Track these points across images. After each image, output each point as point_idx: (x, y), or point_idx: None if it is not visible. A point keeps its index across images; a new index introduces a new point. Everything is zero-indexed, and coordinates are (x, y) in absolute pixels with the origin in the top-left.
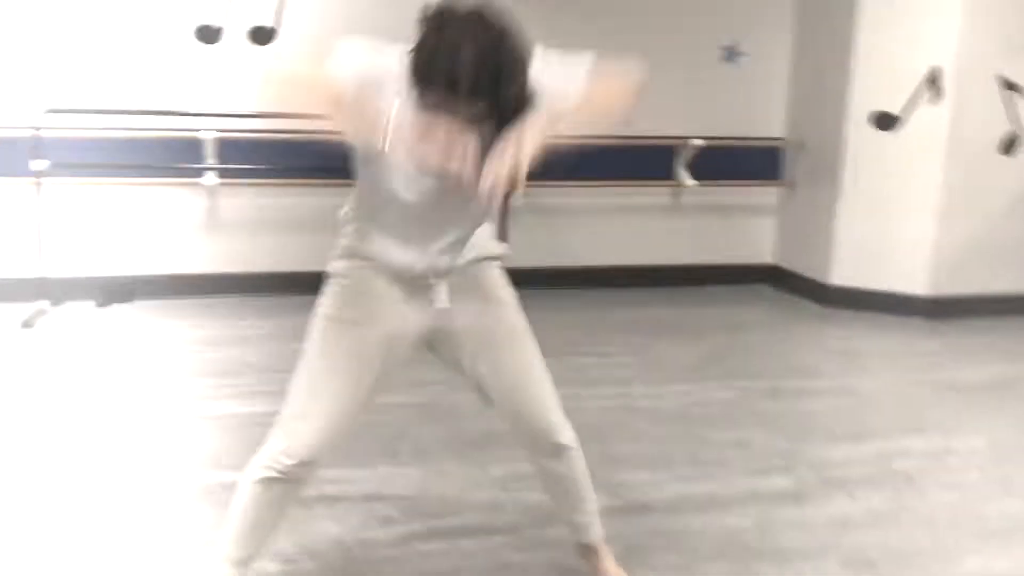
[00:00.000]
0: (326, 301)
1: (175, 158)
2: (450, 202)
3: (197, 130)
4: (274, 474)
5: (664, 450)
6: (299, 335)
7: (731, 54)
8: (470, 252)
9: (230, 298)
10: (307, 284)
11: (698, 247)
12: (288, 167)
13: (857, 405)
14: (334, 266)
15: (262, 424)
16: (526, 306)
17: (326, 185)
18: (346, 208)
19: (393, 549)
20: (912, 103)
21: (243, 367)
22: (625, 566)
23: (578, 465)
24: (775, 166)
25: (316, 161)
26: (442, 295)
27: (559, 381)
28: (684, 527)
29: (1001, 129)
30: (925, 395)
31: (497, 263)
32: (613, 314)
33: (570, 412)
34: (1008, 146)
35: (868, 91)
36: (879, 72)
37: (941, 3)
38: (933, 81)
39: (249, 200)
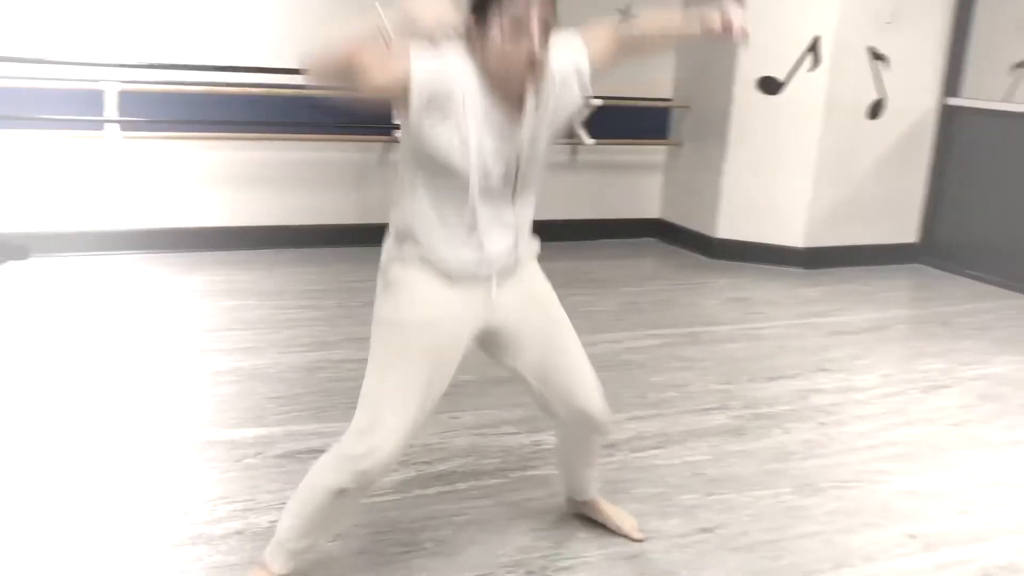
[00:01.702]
0: (387, 306)
1: (74, 110)
2: (521, 166)
3: (97, 80)
4: (353, 485)
5: (612, 393)
6: (197, 293)
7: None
8: (523, 248)
9: (130, 255)
10: (211, 239)
11: (592, 203)
12: (195, 120)
13: (766, 348)
14: (390, 274)
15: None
16: None
17: (231, 139)
18: (396, 218)
19: (396, 494)
20: (794, 69)
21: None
22: (612, 501)
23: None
24: (664, 126)
25: (223, 114)
26: (495, 295)
27: None
28: (649, 462)
29: (869, 96)
30: (819, 339)
31: (536, 257)
32: None
33: None
34: (874, 111)
35: (754, 57)
36: (765, 39)
37: None
38: (813, 49)
39: (153, 154)
